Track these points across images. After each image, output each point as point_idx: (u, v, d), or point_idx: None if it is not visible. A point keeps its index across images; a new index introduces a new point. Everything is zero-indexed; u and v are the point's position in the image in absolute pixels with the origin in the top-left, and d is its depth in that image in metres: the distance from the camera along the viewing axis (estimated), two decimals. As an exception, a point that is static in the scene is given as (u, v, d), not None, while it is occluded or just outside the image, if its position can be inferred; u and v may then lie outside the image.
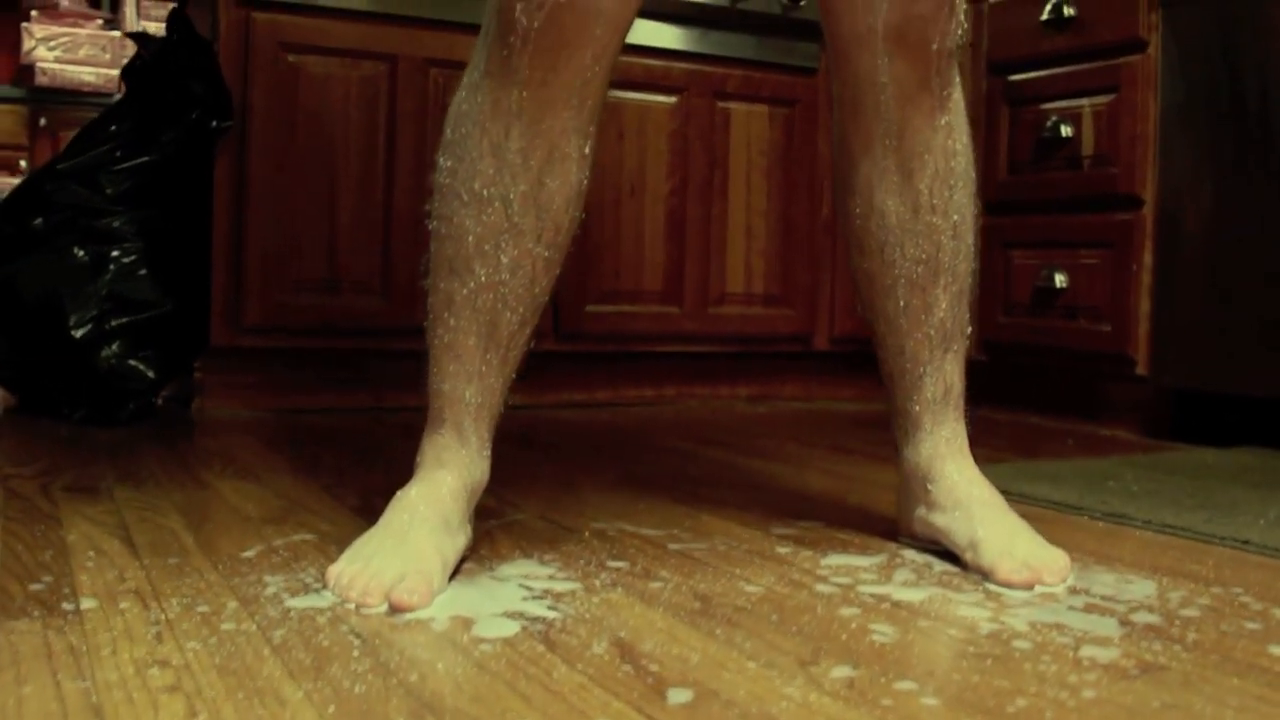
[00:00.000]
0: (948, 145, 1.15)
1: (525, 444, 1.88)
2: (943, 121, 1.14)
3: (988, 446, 2.02)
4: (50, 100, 4.00)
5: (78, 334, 1.93)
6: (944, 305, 1.17)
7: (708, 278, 2.47)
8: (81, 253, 1.97)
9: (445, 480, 1.09)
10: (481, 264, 1.06)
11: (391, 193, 2.20)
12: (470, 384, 1.09)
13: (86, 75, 3.98)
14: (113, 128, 2.06)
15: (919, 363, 1.19)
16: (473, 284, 1.07)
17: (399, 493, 1.10)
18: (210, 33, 2.14)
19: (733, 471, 1.71)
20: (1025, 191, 2.43)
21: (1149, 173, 2.18)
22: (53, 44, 3.88)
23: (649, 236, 2.41)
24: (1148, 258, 2.18)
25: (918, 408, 1.20)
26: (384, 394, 2.23)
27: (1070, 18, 2.31)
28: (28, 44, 3.99)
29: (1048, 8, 2.35)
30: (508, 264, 1.07)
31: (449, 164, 1.07)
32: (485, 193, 1.05)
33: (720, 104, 2.49)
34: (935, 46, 1.10)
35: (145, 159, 2.03)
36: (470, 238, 1.06)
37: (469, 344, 1.08)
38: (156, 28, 3.95)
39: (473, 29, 2.14)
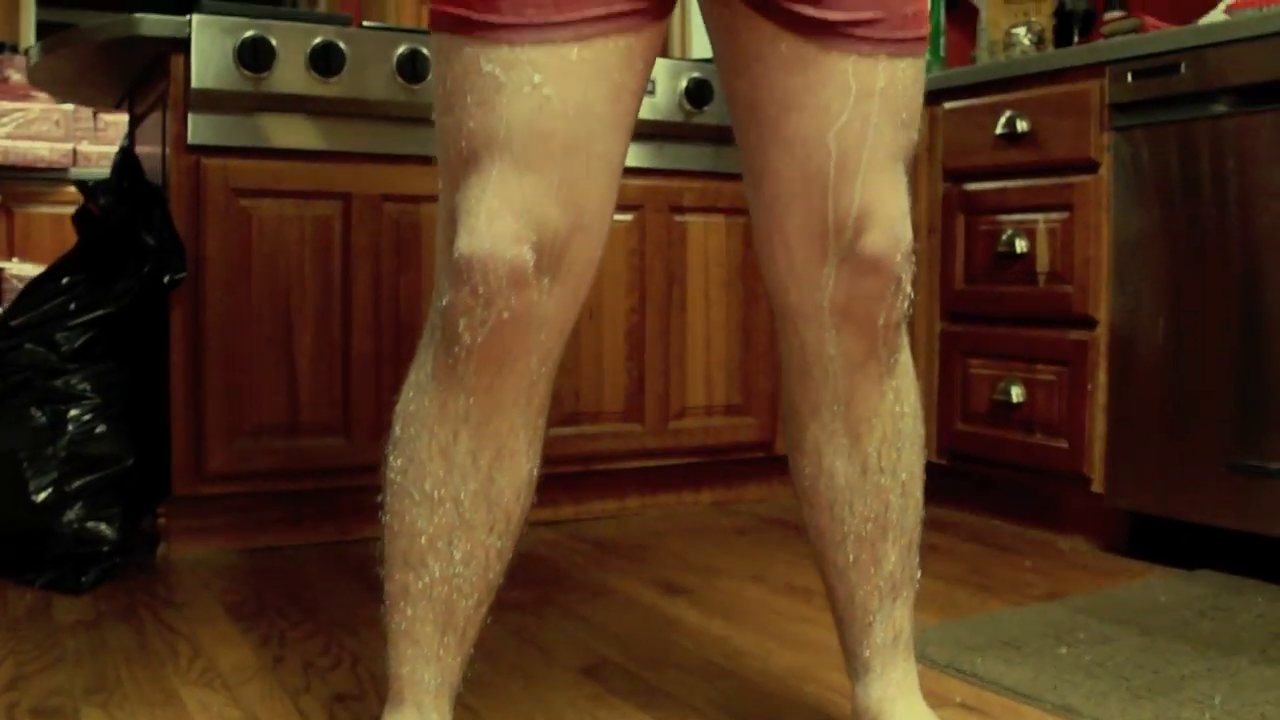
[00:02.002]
0: (895, 409, 1.16)
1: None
2: (890, 386, 1.16)
3: (942, 575, 2.05)
4: (6, 177, 3.96)
5: (38, 498, 1.92)
6: (893, 559, 1.19)
7: (668, 393, 2.49)
8: (39, 414, 1.96)
9: (406, 760, 1.11)
10: (435, 559, 1.08)
11: (349, 331, 2.20)
12: (429, 667, 1.11)
13: (41, 150, 3.94)
14: (65, 280, 2.05)
15: (869, 611, 1.21)
16: (427, 578, 1.08)
17: (361, 771, 1.11)
18: (160, 179, 2.13)
19: (694, 644, 1.73)
20: (982, 302, 2.44)
21: (1103, 295, 2.20)
22: (4, 120, 3.84)
23: (609, 356, 2.42)
24: (1103, 378, 2.20)
25: (868, 652, 1.22)
26: (349, 527, 2.24)
27: (1024, 132, 2.32)
28: (-21, 119, 3.95)
29: (1001, 120, 2.36)
30: (461, 558, 1.08)
31: (399, 463, 1.09)
32: (436, 494, 1.06)
33: (677, 218, 2.49)
34: (882, 322, 1.12)
35: (100, 312, 2.02)
36: (423, 537, 1.07)
37: (426, 630, 1.10)
38: (111, 98, 3.90)
39: (424, 160, 2.16)
